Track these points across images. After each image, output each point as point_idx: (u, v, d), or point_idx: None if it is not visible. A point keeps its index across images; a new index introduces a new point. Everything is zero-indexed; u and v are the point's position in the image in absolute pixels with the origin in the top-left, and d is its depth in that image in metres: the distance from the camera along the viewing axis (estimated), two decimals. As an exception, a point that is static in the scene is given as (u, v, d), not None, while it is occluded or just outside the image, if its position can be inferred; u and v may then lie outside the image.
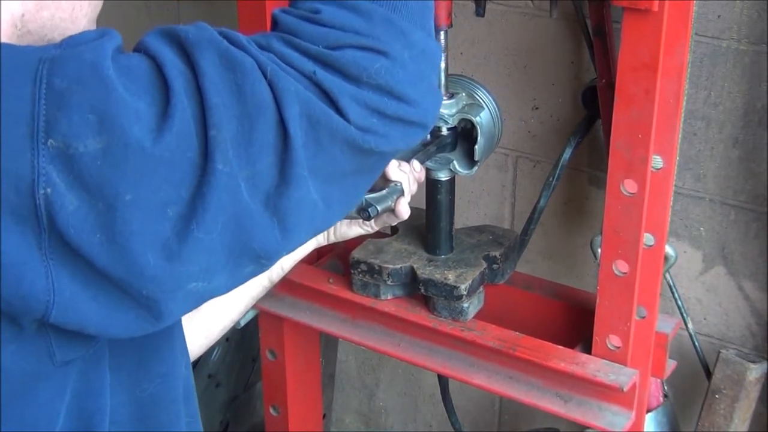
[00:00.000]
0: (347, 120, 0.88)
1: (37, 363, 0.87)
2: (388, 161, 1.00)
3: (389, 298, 1.67)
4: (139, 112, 0.81)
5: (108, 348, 0.95)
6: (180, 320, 1.05)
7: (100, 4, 0.98)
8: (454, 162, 1.60)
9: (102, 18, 1.03)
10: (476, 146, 1.55)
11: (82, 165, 0.79)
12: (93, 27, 0.98)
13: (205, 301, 0.90)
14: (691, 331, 1.81)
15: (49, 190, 0.79)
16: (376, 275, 1.65)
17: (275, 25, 0.92)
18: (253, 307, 1.80)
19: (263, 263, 0.90)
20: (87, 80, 0.80)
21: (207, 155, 0.83)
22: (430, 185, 1.64)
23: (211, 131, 0.83)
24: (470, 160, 1.59)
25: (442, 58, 1.53)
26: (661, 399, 1.76)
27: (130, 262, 0.82)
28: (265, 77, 0.85)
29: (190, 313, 0.91)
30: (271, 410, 2.00)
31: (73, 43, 0.84)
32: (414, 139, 0.96)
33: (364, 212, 1.36)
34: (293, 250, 0.93)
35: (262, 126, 0.85)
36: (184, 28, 0.87)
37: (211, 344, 1.46)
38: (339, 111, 0.88)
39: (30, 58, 0.80)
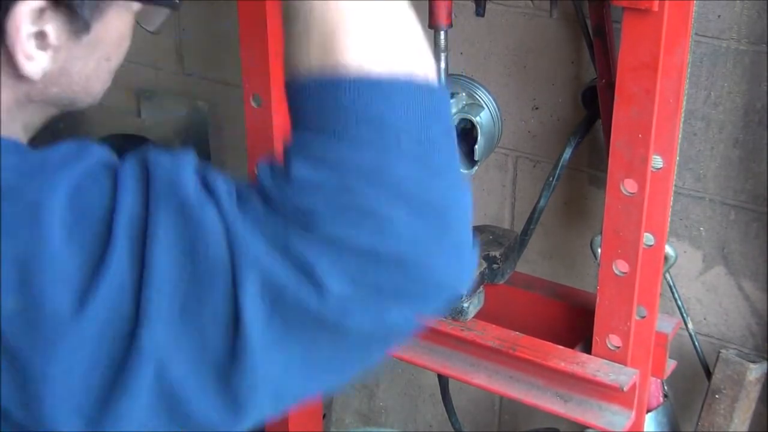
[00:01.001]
0: (324, 293, 0.73)
1: None
2: (397, 341, 0.83)
3: (389, 298, 1.67)
4: (66, 272, 0.71)
5: None
6: None
7: (120, 59, 0.89)
8: (454, 162, 1.60)
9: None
10: (476, 146, 1.55)
11: (1, 325, 0.70)
12: (110, 78, 0.89)
13: None
14: (691, 331, 1.81)
15: None
16: (376, 275, 1.65)
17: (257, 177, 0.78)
18: (253, 307, 1.79)
19: None
20: (20, 224, 0.71)
21: (137, 321, 0.71)
22: (430, 185, 1.64)
23: (145, 290, 0.71)
24: (470, 160, 1.59)
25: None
26: (661, 399, 1.75)
27: None
28: (227, 238, 0.73)
29: None
30: (271, 410, 1.99)
31: (35, 167, 0.73)
32: (433, 307, 0.80)
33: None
34: (259, 426, 0.79)
35: (214, 293, 0.72)
36: (158, 161, 0.75)
37: None
38: (315, 283, 0.73)
39: None
